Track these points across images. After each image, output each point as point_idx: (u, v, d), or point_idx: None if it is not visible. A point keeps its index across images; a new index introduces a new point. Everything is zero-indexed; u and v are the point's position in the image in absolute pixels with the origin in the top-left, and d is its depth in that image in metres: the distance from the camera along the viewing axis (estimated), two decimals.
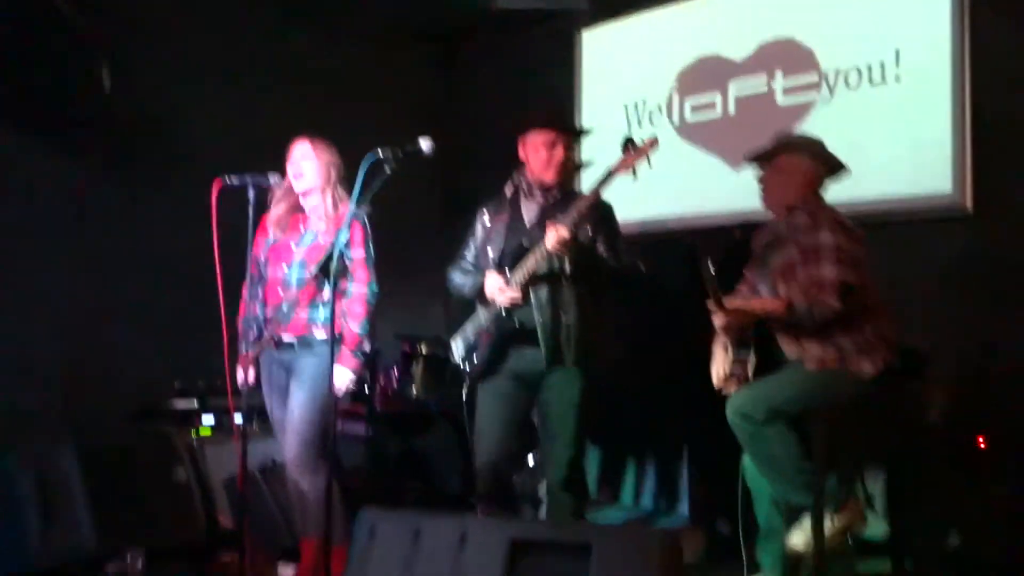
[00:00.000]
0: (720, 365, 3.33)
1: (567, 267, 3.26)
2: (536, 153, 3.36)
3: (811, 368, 3.09)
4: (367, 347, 3.55)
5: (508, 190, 3.49)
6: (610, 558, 2.11)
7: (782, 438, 3.02)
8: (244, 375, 3.48)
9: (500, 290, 3.28)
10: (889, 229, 4.20)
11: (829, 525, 3.08)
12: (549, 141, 3.36)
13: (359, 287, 3.50)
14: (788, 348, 3.16)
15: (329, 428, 3.18)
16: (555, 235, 3.13)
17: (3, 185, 4.20)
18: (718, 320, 3.17)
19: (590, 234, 3.31)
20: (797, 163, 3.21)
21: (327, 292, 3.33)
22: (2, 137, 4.20)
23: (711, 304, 3.09)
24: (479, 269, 3.46)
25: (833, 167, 3.28)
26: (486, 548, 2.19)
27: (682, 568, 2.19)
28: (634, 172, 3.18)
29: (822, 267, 2.96)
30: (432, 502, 4.42)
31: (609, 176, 3.19)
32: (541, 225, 3.31)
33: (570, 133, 3.52)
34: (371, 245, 3.55)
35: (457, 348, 3.48)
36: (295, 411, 3.43)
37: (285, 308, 3.44)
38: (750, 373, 3.25)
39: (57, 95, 4.20)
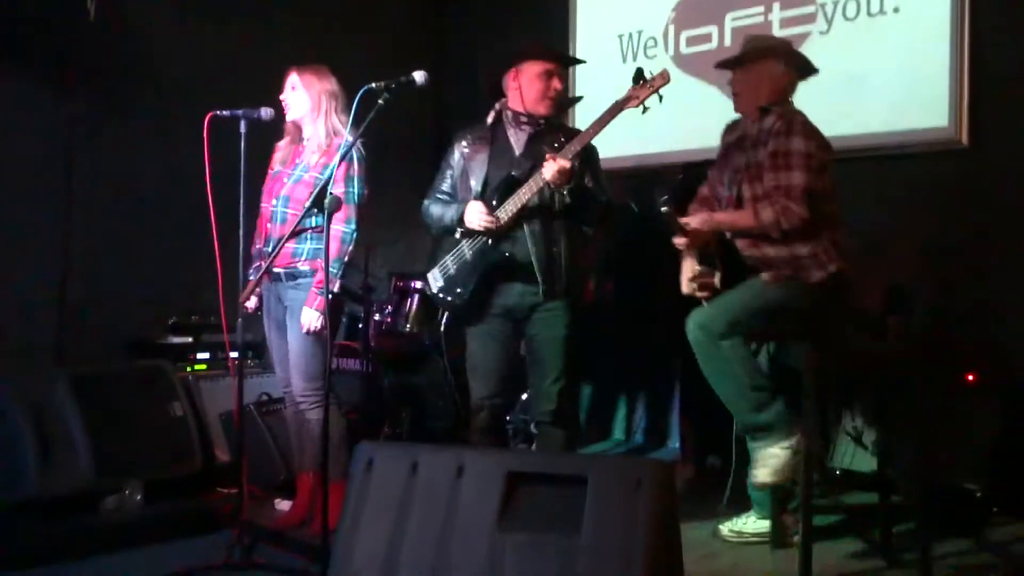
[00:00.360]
0: (687, 274, 3.34)
1: (564, 199, 3.23)
2: (531, 83, 3.30)
3: (768, 281, 3.11)
4: (335, 288, 3.43)
5: (490, 118, 3.41)
6: (606, 489, 2.14)
7: (737, 353, 3.06)
8: (244, 300, 3.40)
9: (486, 218, 3.21)
10: (884, 162, 4.20)
11: (780, 451, 3.10)
12: (547, 71, 3.30)
13: (336, 224, 3.34)
14: (747, 251, 3.18)
15: (322, 363, 3.19)
16: (556, 166, 3.10)
17: None
18: (679, 241, 3.23)
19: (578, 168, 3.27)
20: (769, 67, 3.18)
21: (310, 225, 3.29)
22: None
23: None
24: (457, 199, 3.37)
25: (804, 70, 3.25)
26: (483, 479, 2.21)
27: (676, 498, 2.22)
28: (644, 106, 3.16)
29: (792, 174, 2.97)
30: (426, 435, 4.46)
31: (618, 109, 3.16)
32: (529, 155, 3.28)
33: (567, 65, 3.46)
34: (357, 183, 3.43)
35: (435, 280, 3.37)
36: (293, 345, 3.44)
37: (273, 241, 3.43)
38: (717, 284, 3.28)
39: (41, 25, 4.11)
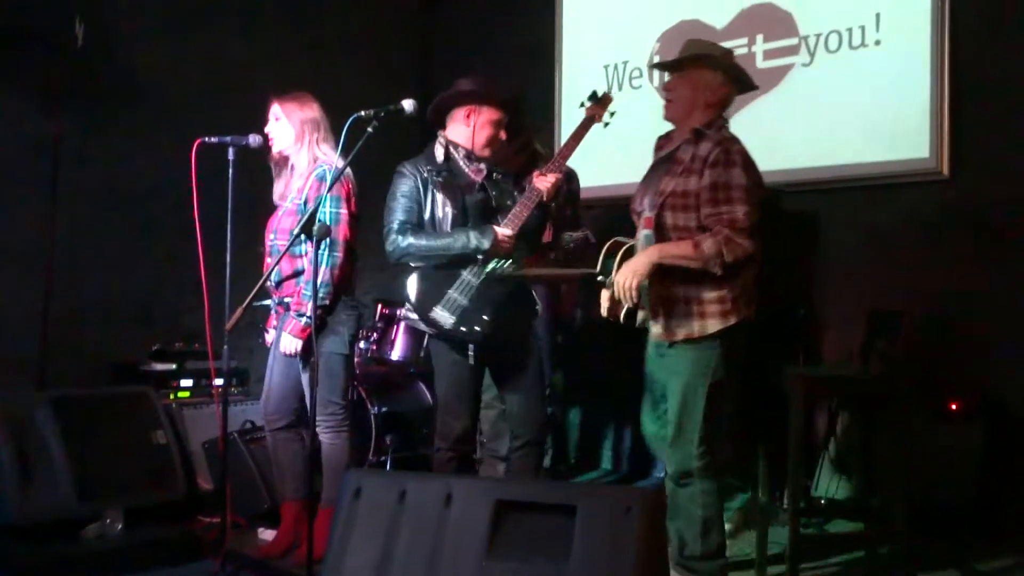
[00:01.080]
0: (606, 303, 3.08)
1: (552, 214, 3.36)
2: (484, 127, 3.34)
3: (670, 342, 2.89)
4: (307, 310, 3.34)
5: (440, 154, 3.38)
6: (594, 517, 2.13)
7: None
8: (231, 327, 3.33)
9: (510, 241, 3.22)
10: (866, 192, 4.25)
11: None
12: (500, 120, 3.37)
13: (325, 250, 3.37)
14: (677, 290, 2.87)
15: (347, 386, 3.29)
16: (551, 179, 3.23)
17: None
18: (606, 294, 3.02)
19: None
20: (709, 77, 2.95)
21: (307, 254, 3.31)
22: None
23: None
24: (432, 228, 3.29)
25: (743, 85, 3.09)
26: (471, 507, 2.20)
27: (664, 526, 2.22)
28: (605, 122, 3.49)
29: (734, 207, 2.76)
30: (410, 463, 4.44)
31: (588, 125, 3.42)
32: (492, 187, 3.35)
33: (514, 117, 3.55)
34: (335, 206, 3.41)
35: (444, 317, 3.21)
36: (305, 372, 3.44)
37: (274, 274, 3.45)
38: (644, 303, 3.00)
39: (29, 46, 4.12)
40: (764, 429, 3.69)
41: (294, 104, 3.49)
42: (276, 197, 3.57)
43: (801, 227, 4.36)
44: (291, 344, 3.38)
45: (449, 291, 3.24)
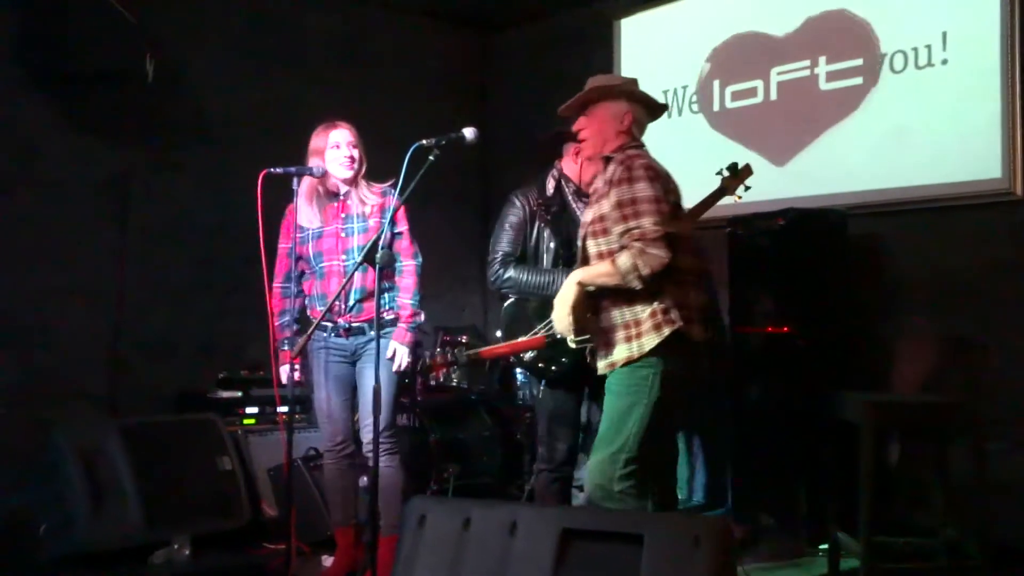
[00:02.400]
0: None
1: None
2: (590, 167, 3.31)
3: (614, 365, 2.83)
4: (422, 319, 3.55)
5: (551, 186, 3.43)
6: (662, 546, 2.09)
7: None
8: (290, 373, 3.39)
9: None
10: (936, 213, 4.15)
11: None
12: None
13: (408, 260, 3.52)
14: (615, 319, 2.83)
15: (396, 411, 3.31)
16: None
17: (49, 174, 4.27)
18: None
19: None
20: (613, 109, 2.95)
21: (372, 276, 3.33)
22: (48, 128, 4.26)
23: None
24: (535, 260, 3.36)
25: (653, 109, 3.05)
26: (537, 536, 2.18)
27: (733, 555, 2.17)
28: (737, 196, 3.43)
29: (642, 220, 2.71)
30: (471, 491, 4.42)
31: (716, 198, 3.37)
32: None
33: None
34: (404, 228, 3.56)
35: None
36: (369, 395, 3.41)
37: (355, 296, 3.45)
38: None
39: (101, 84, 4.25)
40: (812, 459, 3.62)
41: (355, 130, 3.58)
42: (310, 220, 3.53)
43: (867, 251, 4.27)
44: (407, 356, 3.46)
45: (537, 326, 3.25)
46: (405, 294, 3.50)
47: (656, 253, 2.68)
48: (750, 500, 4.21)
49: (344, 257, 3.49)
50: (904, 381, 4.06)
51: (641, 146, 2.95)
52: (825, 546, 3.56)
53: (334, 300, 3.19)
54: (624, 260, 2.70)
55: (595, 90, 3.01)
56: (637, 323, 2.77)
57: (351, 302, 3.45)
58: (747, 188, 3.48)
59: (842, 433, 3.44)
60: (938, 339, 3.70)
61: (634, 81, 3.07)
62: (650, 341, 2.75)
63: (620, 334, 2.80)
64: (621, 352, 2.79)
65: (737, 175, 3.47)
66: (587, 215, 2.91)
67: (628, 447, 2.75)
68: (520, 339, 3.27)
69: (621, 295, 2.77)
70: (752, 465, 4.24)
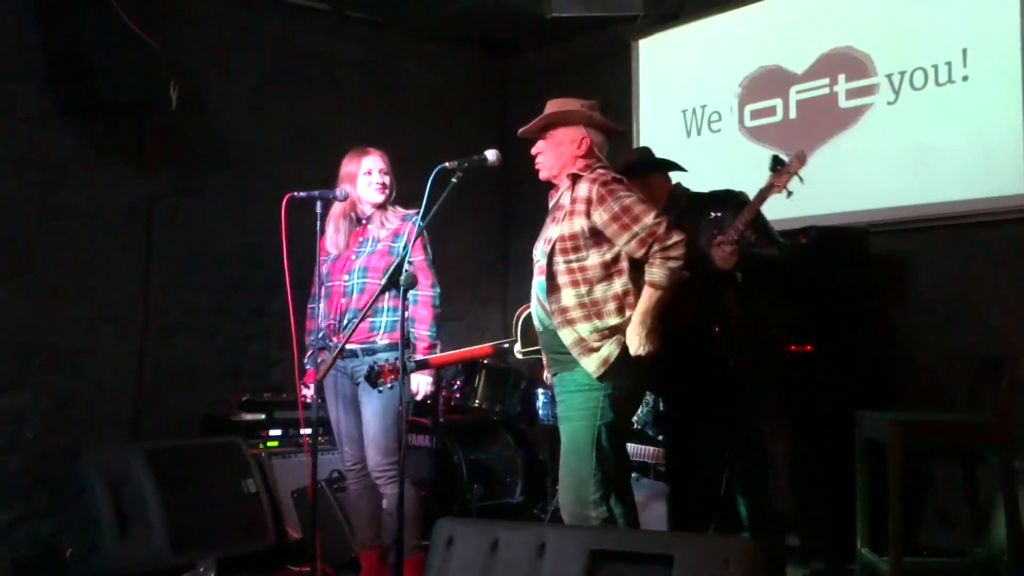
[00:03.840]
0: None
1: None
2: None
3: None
4: (438, 352, 3.54)
5: None
6: (692, 567, 2.09)
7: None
8: (311, 393, 3.45)
9: None
10: (959, 230, 4.13)
11: None
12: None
13: (423, 291, 3.51)
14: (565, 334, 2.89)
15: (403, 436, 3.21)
16: (724, 251, 3.22)
17: (76, 202, 4.31)
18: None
19: None
20: (571, 134, 3.02)
21: (386, 298, 3.35)
22: (75, 157, 4.31)
23: None
24: None
25: (610, 133, 3.12)
26: (565, 558, 2.17)
27: None
28: (788, 191, 3.21)
29: (643, 219, 2.82)
30: (495, 512, 4.41)
31: (761, 199, 3.24)
32: None
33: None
34: (429, 249, 3.58)
35: None
36: (371, 421, 3.44)
37: (348, 317, 3.47)
38: None
39: (128, 113, 4.30)
40: (836, 478, 3.60)
41: (386, 156, 3.63)
42: (335, 246, 3.58)
43: (887, 268, 4.25)
44: (427, 385, 3.52)
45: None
46: (421, 325, 3.50)
47: (671, 242, 2.81)
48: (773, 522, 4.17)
49: (346, 277, 3.52)
50: (925, 400, 4.03)
51: (607, 166, 3.03)
52: (852, 566, 3.53)
53: (361, 317, 3.22)
54: (655, 274, 2.82)
55: (551, 115, 3.07)
56: (593, 339, 2.84)
57: (344, 322, 3.46)
58: (801, 180, 3.22)
59: (868, 452, 3.42)
60: (965, 357, 3.66)
61: (594, 105, 3.12)
62: (598, 361, 2.82)
63: (576, 350, 2.85)
64: (590, 364, 2.83)
65: (780, 169, 3.24)
66: (553, 231, 2.95)
67: (594, 470, 2.80)
68: (478, 348, 3.44)
69: (586, 309, 2.85)
70: (776, 485, 4.21)
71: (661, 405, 4.28)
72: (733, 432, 3.43)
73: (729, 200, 3.45)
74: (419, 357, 3.37)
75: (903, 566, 3.11)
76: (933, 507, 3.94)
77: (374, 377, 3.17)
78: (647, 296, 2.84)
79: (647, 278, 2.84)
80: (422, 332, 3.50)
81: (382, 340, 3.46)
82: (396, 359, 3.12)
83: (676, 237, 2.84)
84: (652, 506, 4.05)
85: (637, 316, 2.84)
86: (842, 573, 3.71)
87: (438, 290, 3.55)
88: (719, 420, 3.42)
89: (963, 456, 3.59)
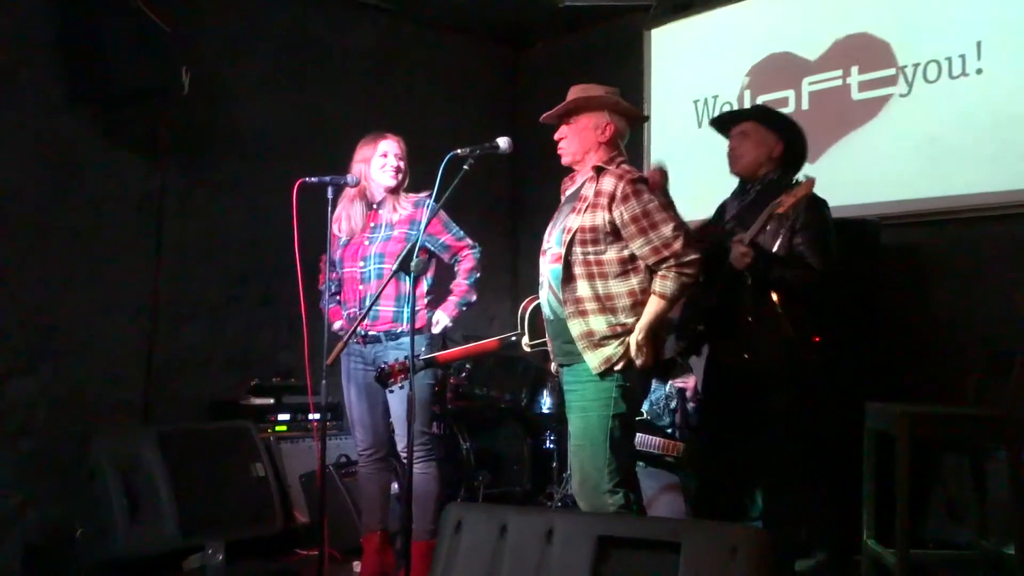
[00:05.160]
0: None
1: None
2: None
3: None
4: (472, 298, 3.66)
5: None
6: (699, 555, 2.09)
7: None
8: (331, 362, 3.34)
9: None
10: (971, 224, 4.12)
11: None
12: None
13: (466, 252, 3.65)
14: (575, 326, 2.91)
15: (432, 417, 3.38)
16: (739, 251, 3.23)
17: (88, 190, 4.33)
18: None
19: None
20: (595, 120, 3.01)
21: (406, 286, 3.36)
22: (87, 145, 4.32)
23: None
24: None
25: (634, 120, 3.13)
26: (573, 543, 2.17)
27: (772, 565, 2.16)
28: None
29: (660, 229, 2.83)
30: (502, 499, 4.43)
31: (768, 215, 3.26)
32: None
33: None
34: (452, 224, 3.66)
35: None
36: (397, 404, 3.44)
37: (367, 303, 3.46)
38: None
39: (136, 98, 4.31)
40: (843, 470, 3.59)
41: (403, 143, 3.65)
42: (347, 232, 3.60)
43: (899, 261, 4.24)
44: (448, 320, 3.60)
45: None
46: (462, 275, 3.64)
47: (690, 264, 2.83)
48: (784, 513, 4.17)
49: (362, 264, 3.53)
50: (936, 393, 4.02)
51: (628, 161, 3.03)
52: (858, 558, 3.52)
53: (372, 302, 3.23)
54: (667, 285, 2.83)
55: (576, 100, 3.05)
56: (602, 334, 2.85)
57: (364, 307, 3.46)
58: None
59: (876, 444, 3.41)
60: (976, 351, 3.65)
61: (617, 91, 3.10)
62: (600, 359, 2.83)
63: (582, 343, 2.86)
64: (593, 360, 2.84)
65: (792, 188, 3.23)
66: (573, 220, 2.93)
67: (608, 460, 2.82)
68: (485, 342, 3.45)
69: (600, 303, 2.86)
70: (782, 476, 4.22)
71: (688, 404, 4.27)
72: (767, 431, 3.40)
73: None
74: (427, 356, 3.38)
75: (909, 558, 3.11)
76: (940, 500, 3.93)
77: (383, 378, 3.19)
78: (653, 306, 2.85)
79: (657, 288, 2.84)
80: (462, 280, 3.64)
81: (400, 328, 3.48)
82: (405, 358, 3.14)
83: (693, 254, 2.84)
84: (661, 497, 4.06)
85: (640, 325, 2.84)
86: (848, 565, 3.71)
87: (479, 248, 3.67)
88: (754, 421, 3.39)
89: (971, 449, 3.58)
